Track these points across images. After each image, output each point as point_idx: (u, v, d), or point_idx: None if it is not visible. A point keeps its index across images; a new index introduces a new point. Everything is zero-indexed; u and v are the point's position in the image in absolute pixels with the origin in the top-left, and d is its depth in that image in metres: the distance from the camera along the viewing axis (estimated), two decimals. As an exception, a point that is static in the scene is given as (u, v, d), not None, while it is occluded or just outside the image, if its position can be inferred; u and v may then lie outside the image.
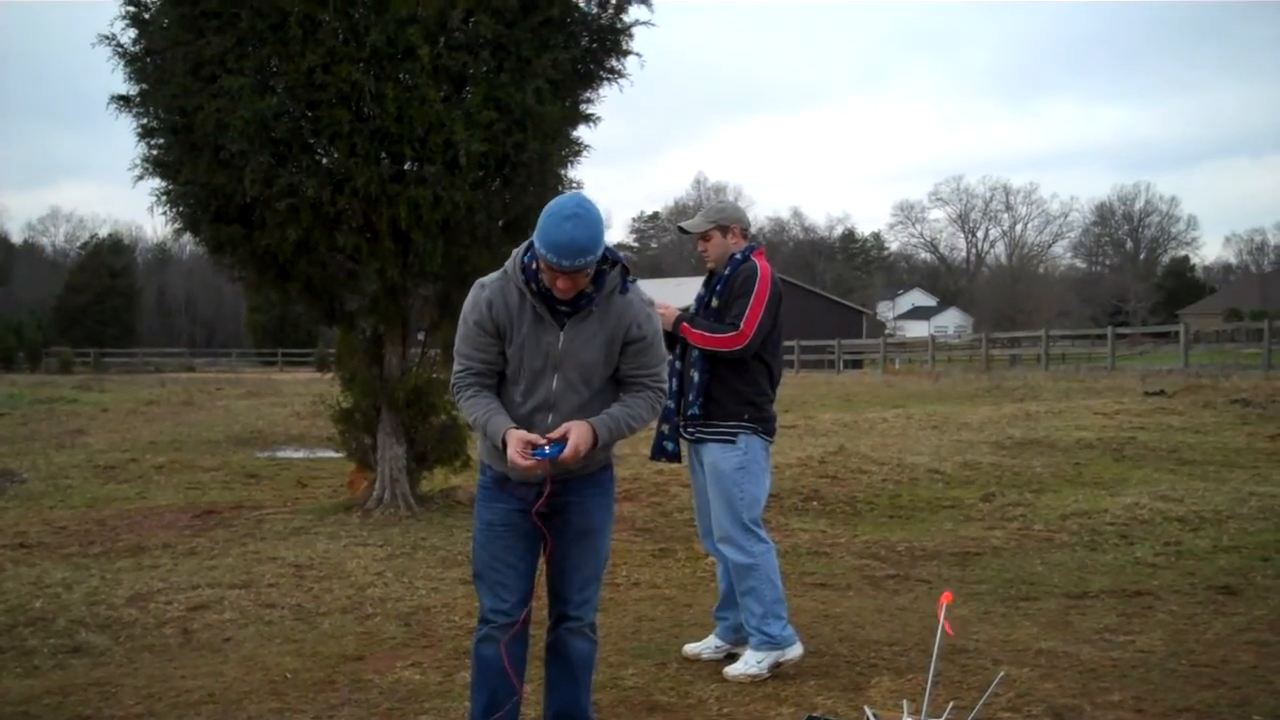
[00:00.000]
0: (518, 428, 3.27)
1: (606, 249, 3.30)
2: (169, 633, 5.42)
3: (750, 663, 4.58)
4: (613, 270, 3.34)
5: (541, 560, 3.50)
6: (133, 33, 7.99)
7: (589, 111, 8.65)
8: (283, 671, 4.72)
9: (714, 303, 4.73)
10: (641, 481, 9.59)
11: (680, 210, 79.06)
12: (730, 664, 4.65)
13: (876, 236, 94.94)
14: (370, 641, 5.22)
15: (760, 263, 4.73)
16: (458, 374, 3.41)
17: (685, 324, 4.68)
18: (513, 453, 3.21)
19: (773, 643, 4.59)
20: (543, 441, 3.23)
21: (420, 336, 9.29)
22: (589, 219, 3.14)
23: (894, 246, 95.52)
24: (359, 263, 8.22)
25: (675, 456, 4.84)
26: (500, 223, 8.23)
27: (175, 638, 5.35)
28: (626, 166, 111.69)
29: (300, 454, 13.92)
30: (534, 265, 3.27)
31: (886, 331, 65.75)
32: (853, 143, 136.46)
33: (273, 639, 5.29)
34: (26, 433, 16.38)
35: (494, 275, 3.40)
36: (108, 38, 7.99)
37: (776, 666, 4.58)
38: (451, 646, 5.02)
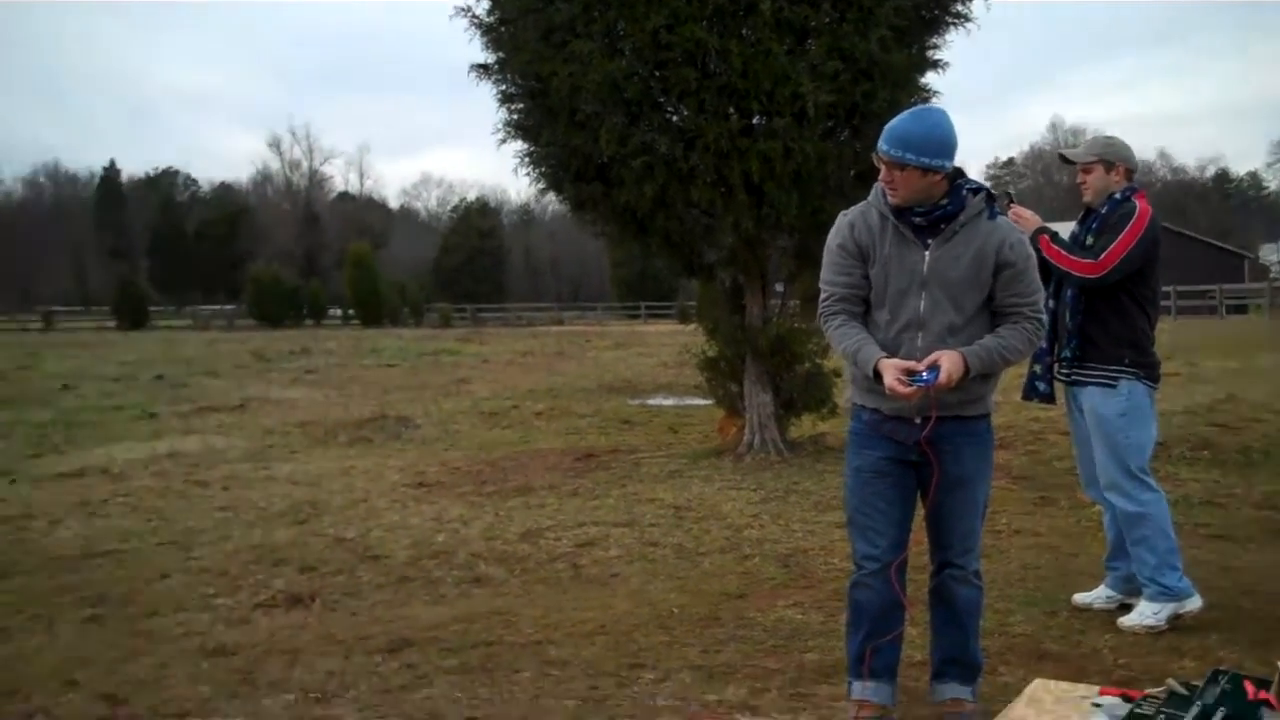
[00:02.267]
0: (889, 357, 3.24)
1: (970, 180, 3.30)
2: (560, 567, 5.75)
3: (1146, 614, 4.36)
4: (976, 196, 3.29)
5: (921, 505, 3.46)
6: (486, 3, 8.46)
7: (936, 58, 8.41)
8: (669, 607, 4.92)
9: (1088, 241, 4.50)
10: (1016, 429, 9.24)
11: (1036, 155, 75.70)
12: (1124, 615, 4.45)
13: (1253, 175, 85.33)
14: (750, 581, 5.35)
15: (1141, 204, 4.44)
16: (823, 302, 3.42)
17: (1045, 236, 4.47)
18: (890, 380, 3.17)
19: (1169, 594, 4.35)
20: (920, 368, 3.17)
21: (779, 288, 9.36)
22: (930, 118, 3.24)
23: (1274, 185, 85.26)
24: (714, 216, 8.38)
25: (1049, 397, 4.66)
26: (852, 172, 8.13)
27: (566, 572, 5.66)
28: (978, 113, 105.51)
29: (669, 401, 14.40)
30: None
31: (1272, 275, 58.91)
32: (1221, 79, 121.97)
33: (657, 575, 5.51)
34: (417, 382, 17.92)
35: (858, 205, 3.44)
36: (464, 9, 8.49)
37: (1175, 619, 4.34)
38: (831, 588, 5.04)
